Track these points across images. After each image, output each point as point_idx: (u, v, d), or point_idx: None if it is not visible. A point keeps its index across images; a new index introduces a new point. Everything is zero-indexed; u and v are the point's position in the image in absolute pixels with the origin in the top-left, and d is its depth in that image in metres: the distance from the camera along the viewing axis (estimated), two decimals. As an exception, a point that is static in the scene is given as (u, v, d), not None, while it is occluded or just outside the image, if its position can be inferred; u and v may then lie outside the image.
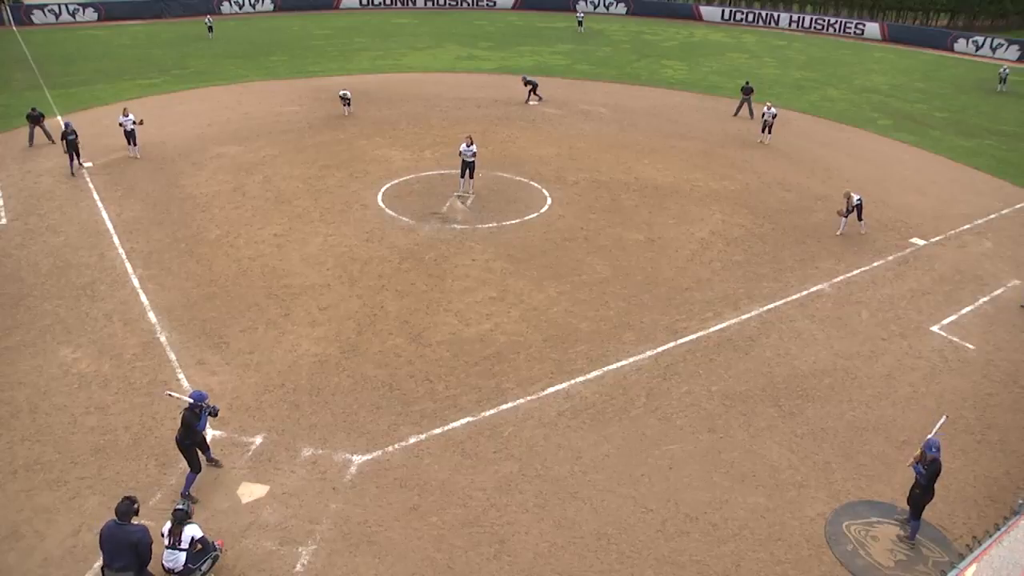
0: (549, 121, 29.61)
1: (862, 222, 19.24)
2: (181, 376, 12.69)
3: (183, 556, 8.33)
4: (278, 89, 33.88)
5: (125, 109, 23.85)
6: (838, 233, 19.22)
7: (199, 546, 8.46)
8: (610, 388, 12.76)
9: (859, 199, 19.04)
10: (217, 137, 26.17)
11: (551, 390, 12.64)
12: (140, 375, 12.74)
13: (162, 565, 8.40)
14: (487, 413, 12.00)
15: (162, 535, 8.40)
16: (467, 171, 20.55)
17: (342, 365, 13.13)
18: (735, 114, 30.96)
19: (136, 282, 15.92)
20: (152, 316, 14.60)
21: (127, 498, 8.11)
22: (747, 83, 31.26)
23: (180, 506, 8.52)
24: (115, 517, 8.08)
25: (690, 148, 26.66)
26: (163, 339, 13.80)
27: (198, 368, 12.95)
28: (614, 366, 13.38)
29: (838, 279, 17.04)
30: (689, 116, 31.26)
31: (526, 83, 32.10)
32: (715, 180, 23.31)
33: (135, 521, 8.15)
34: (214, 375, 12.77)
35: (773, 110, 27.20)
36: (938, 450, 9.36)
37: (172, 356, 13.26)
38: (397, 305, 15.20)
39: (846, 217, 19.16)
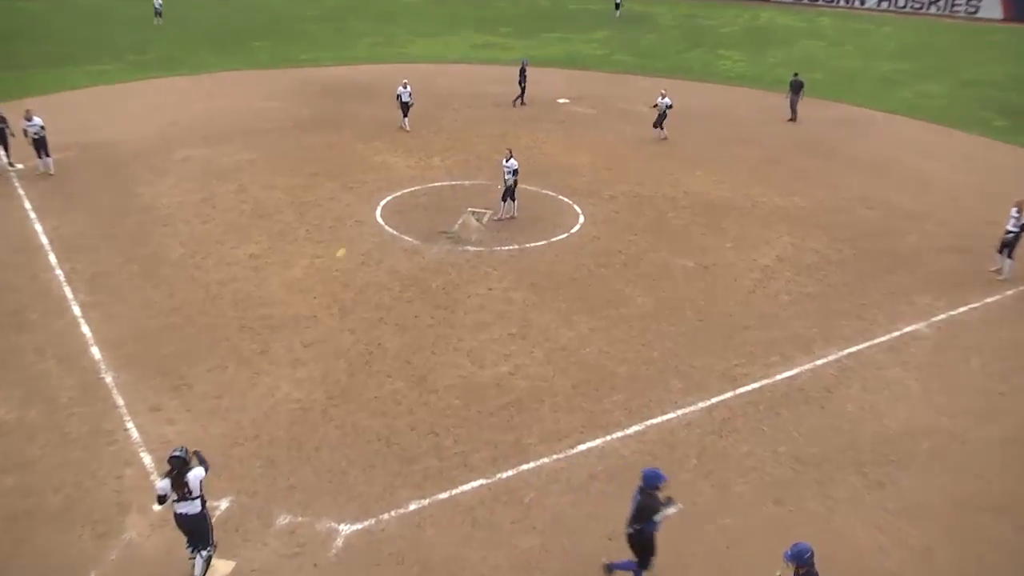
0: (582, 123, 29.95)
1: (1011, 261, 17.93)
2: (130, 425, 12.76)
3: (198, 502, 9.36)
4: (258, 81, 34.64)
5: (28, 111, 22.38)
6: (1001, 278, 18.18)
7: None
8: (653, 447, 12.73)
9: None
10: (183, 137, 26.75)
11: (582, 447, 12.63)
12: (78, 424, 12.80)
13: (176, 515, 9.29)
14: (504, 475, 12.01)
15: (161, 495, 9.21)
16: (507, 194, 20.56)
17: (329, 414, 13.23)
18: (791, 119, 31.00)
19: (77, 310, 16.14)
20: (96, 351, 14.76)
21: None
22: (796, 76, 31.11)
23: (177, 452, 9.23)
24: None
25: (752, 156, 26.79)
26: (109, 380, 13.93)
27: (152, 415, 13.02)
28: (658, 420, 13.35)
29: (938, 318, 16.89)
30: (751, 118, 31.46)
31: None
32: (782, 195, 23.37)
33: None
34: (171, 424, 12.85)
35: (668, 100, 27.44)
36: (811, 556, 8.41)
37: (120, 400, 13.37)
38: (397, 342, 15.33)
39: (1010, 254, 17.80)
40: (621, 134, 28.59)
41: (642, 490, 9.58)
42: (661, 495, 9.53)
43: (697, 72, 39.10)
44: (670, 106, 27.41)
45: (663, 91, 27.99)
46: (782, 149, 27.65)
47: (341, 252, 18.32)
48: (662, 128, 27.78)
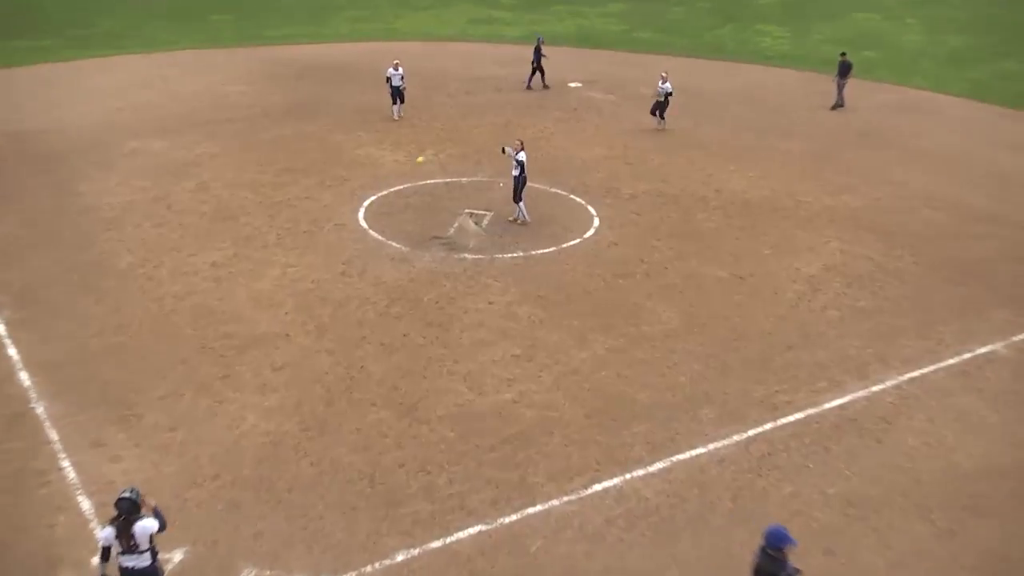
0: (597, 110, 30.05)
1: None
2: (66, 464, 12.67)
3: (148, 554, 9.32)
4: (220, 61, 34.79)
5: None
6: None
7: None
8: (681, 486, 12.71)
9: None
10: (132, 126, 26.89)
11: (597, 488, 12.62)
12: (0, 463, 12.77)
13: (122, 569, 9.23)
14: (506, 519, 11.99)
15: (105, 547, 9.25)
16: (516, 190, 20.69)
17: (303, 448, 13.23)
18: (837, 105, 31.00)
19: (2, 328, 16.18)
20: (24, 377, 14.76)
21: None
22: (843, 56, 31.16)
23: (126, 494, 9.21)
24: None
25: (795, 148, 26.87)
26: (40, 410, 13.91)
27: (92, 452, 12.96)
28: (686, 455, 13.34)
29: (1020, 337, 16.86)
30: (794, 103, 31.55)
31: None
32: (831, 194, 23.43)
33: None
34: (116, 462, 12.79)
35: (668, 85, 27.50)
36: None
37: (53, 434, 13.32)
38: (383, 365, 15.36)
39: None
40: (642, 124, 28.64)
41: (763, 549, 9.57)
42: (789, 562, 9.47)
43: (731, 51, 39.24)
44: (671, 92, 27.53)
45: (663, 74, 28.02)
46: (831, 140, 27.72)
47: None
48: (662, 117, 27.93)
